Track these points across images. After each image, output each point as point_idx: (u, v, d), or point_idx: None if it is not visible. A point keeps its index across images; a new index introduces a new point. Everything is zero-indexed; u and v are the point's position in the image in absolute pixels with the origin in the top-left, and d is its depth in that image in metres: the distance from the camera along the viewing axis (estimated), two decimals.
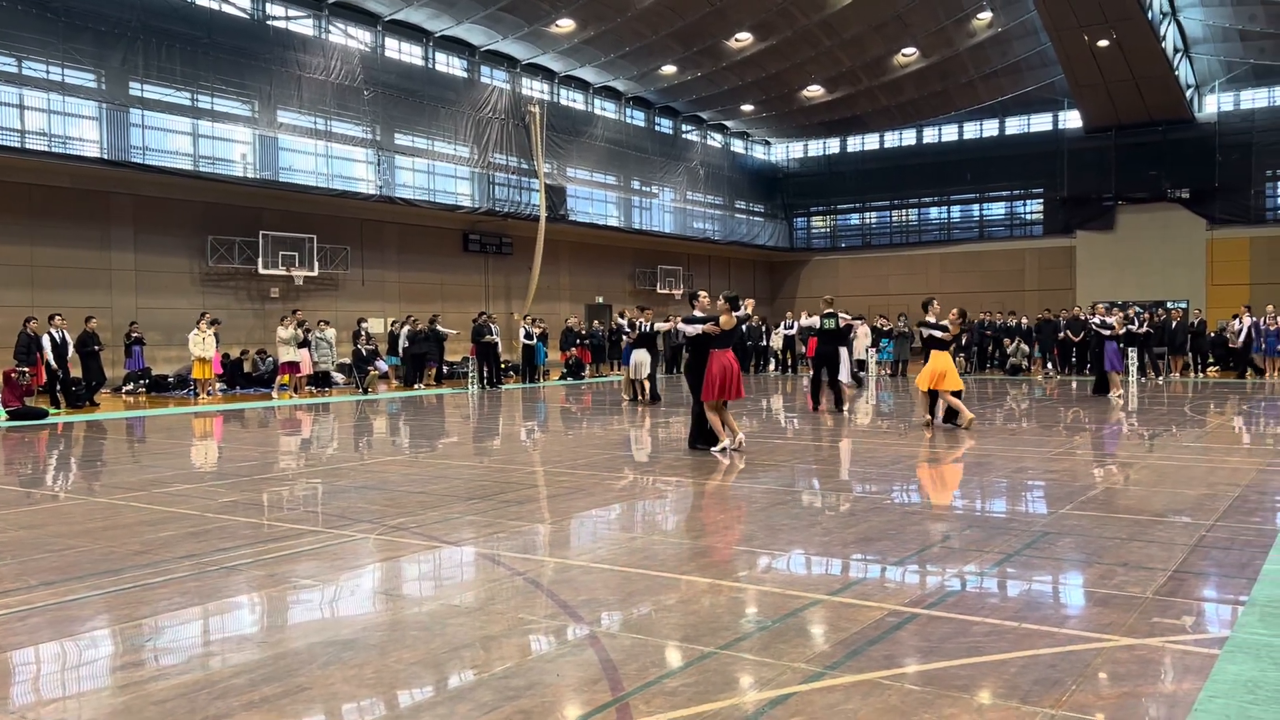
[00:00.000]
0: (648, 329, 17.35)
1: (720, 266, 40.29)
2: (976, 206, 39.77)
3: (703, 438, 10.71)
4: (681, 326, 11.22)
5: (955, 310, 13.15)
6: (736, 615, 4.70)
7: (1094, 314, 19.36)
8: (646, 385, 17.65)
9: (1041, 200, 38.02)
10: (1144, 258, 34.34)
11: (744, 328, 20.83)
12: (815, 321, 16.12)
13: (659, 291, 35.55)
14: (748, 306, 12.12)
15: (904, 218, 41.37)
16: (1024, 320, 27.35)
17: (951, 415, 12.60)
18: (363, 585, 5.36)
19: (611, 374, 27.26)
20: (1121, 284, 34.50)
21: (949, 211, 40.24)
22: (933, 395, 12.68)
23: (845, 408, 15.55)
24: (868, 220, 42.56)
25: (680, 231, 36.65)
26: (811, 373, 15.67)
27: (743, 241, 39.66)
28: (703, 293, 11.16)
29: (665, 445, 11.41)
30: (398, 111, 26.78)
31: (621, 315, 18.29)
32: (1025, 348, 25.79)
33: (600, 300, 34.34)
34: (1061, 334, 25.30)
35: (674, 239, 36.28)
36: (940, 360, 12.54)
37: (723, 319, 10.70)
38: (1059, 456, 10.07)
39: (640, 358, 16.47)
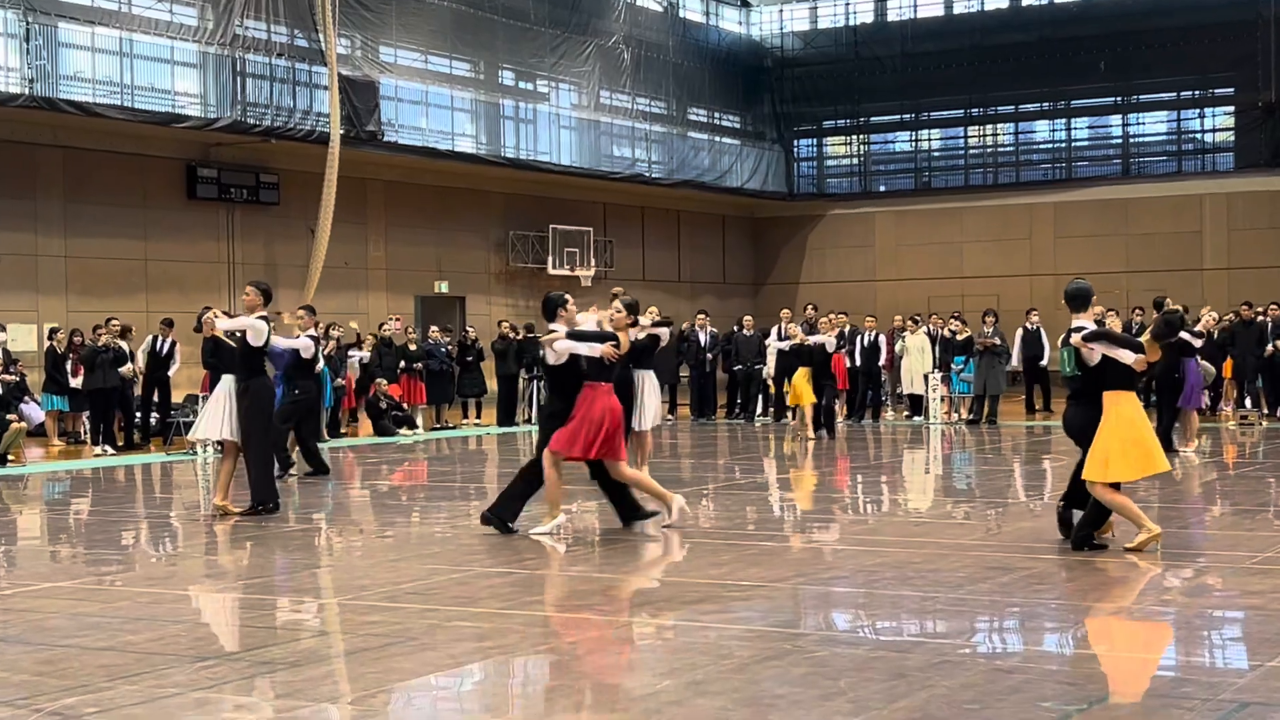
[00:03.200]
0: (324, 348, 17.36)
1: (663, 227, 40.59)
2: (1116, 120, 40.77)
3: (506, 506, 12.30)
4: (567, 345, 11.96)
5: (1165, 312, 11.34)
6: None
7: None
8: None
9: (1231, 109, 39.13)
10: None
11: (708, 344, 22.34)
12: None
13: (553, 271, 35.62)
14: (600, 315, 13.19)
15: (988, 139, 42.19)
16: (1206, 321, 28.01)
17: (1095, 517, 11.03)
18: None
19: (467, 423, 27.24)
20: None
21: (1068, 129, 41.19)
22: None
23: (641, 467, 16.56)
24: (924, 144, 43.30)
25: (590, 164, 36.88)
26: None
27: (703, 183, 40.07)
28: (570, 300, 12.56)
29: (555, 555, 11.40)
30: None
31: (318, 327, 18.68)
32: (1209, 369, 26.40)
33: (444, 289, 34.25)
34: (1270, 349, 25.99)
35: (579, 177, 36.49)
36: (1126, 408, 10.72)
37: (623, 336, 12.07)
38: (1268, 566, 10.33)
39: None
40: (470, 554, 11.43)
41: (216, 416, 13.65)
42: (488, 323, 31.45)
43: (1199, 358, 25.65)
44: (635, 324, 12.58)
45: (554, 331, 12.17)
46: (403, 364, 25.85)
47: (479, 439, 25.12)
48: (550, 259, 35.53)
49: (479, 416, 27.65)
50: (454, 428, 26.69)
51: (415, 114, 32.82)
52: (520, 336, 27.62)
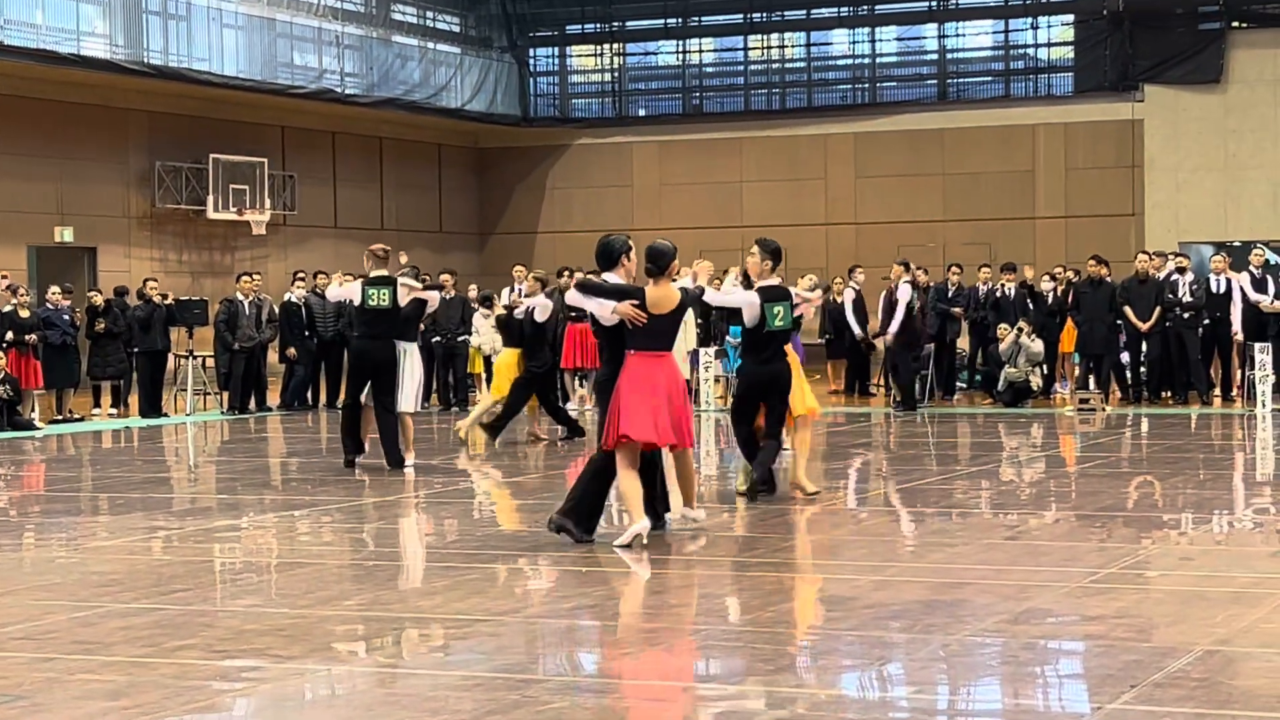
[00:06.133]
0: None
1: (360, 159, 40.23)
2: (931, 31, 41.65)
3: (579, 511, 12.49)
4: (574, 298, 12.67)
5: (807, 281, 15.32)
6: None
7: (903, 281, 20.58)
8: None
9: (1070, 20, 40.32)
10: None
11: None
12: (353, 291, 18.52)
13: (214, 215, 35.06)
14: (700, 273, 14.08)
15: (774, 53, 42.67)
16: (1040, 283, 28.89)
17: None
18: None
19: (99, 414, 26.64)
20: (1241, 203, 37.10)
21: (873, 42, 41.92)
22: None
23: (408, 463, 17.90)
24: (694, 58, 43.57)
25: (263, 75, 36.31)
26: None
27: (413, 102, 39.83)
28: (633, 245, 12.92)
29: (214, 587, 11.18)
30: None
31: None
32: (1035, 346, 27.28)
33: (68, 237, 33.44)
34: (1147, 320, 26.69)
35: (249, 92, 35.96)
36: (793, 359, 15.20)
37: (651, 293, 12.25)
38: (1109, 585, 10.71)
39: None
40: (100, 586, 11.19)
41: None
42: (127, 282, 30.75)
43: (1026, 330, 26.62)
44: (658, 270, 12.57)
45: (588, 278, 12.82)
46: (10, 336, 25.12)
47: (116, 434, 24.59)
48: (211, 198, 34.99)
49: (116, 405, 27.05)
50: (81, 419, 26.10)
51: (26, 6, 31.87)
52: (170, 300, 27.09)
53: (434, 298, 18.98)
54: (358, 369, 17.99)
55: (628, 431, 11.96)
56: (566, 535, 12.23)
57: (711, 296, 15.34)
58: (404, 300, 17.78)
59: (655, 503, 12.62)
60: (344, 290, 19.57)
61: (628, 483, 12.08)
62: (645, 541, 12.15)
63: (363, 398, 17.95)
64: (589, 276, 12.80)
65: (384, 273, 17.96)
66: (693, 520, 12.83)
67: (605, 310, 12.36)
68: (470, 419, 21.59)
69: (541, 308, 21.21)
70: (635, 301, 12.07)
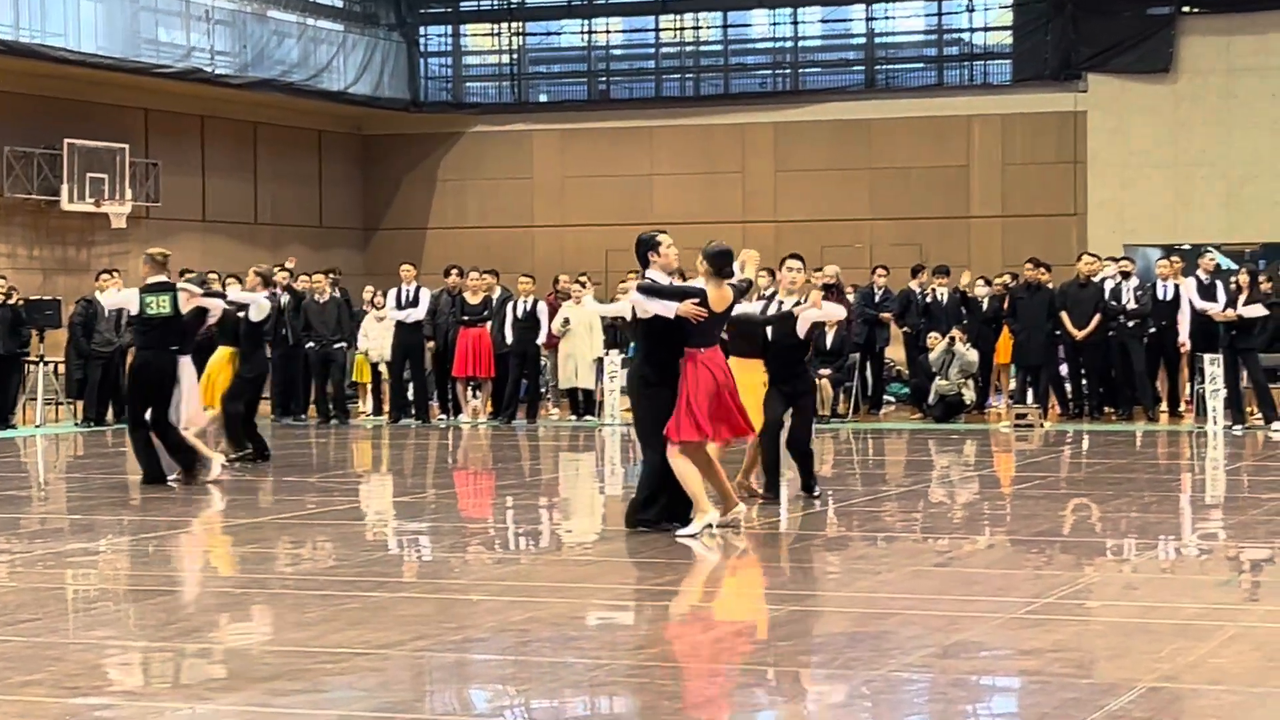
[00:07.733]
0: None
1: (232, 145, 39.94)
2: (859, 13, 41.77)
3: (656, 505, 14.03)
4: (639, 300, 13.93)
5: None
6: None
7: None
8: None
9: (1009, 4, 40.50)
10: (1248, 139, 37.27)
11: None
12: (129, 300, 18.99)
13: (69, 206, 34.79)
14: (748, 262, 15.23)
15: (688, 35, 42.68)
16: (975, 288, 29.05)
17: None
18: None
19: None
20: (1192, 202, 37.45)
21: (796, 24, 41.99)
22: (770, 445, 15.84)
23: (204, 475, 18.24)
24: (600, 40, 43.49)
25: (124, 53, 36.01)
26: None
27: (291, 83, 39.57)
28: (665, 239, 14.40)
29: (69, 619, 11.07)
30: None
31: None
32: (969, 356, 27.41)
33: None
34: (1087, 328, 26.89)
35: (108, 70, 35.62)
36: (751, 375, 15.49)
37: (711, 291, 13.72)
38: (1050, 614, 10.77)
39: None
40: None
41: None
42: None
43: (960, 338, 26.74)
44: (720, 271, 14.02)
45: (647, 280, 13.87)
46: None
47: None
48: (65, 188, 34.60)
49: None
50: None
51: None
52: (18, 300, 26.87)
53: (216, 306, 19.14)
54: (140, 382, 18.19)
55: (703, 434, 13.55)
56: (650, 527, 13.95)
57: (112, 299, 16.18)
58: (185, 308, 18.16)
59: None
60: (120, 298, 19.85)
61: (690, 473, 13.60)
62: (714, 532, 13.48)
63: (150, 416, 18.24)
64: (648, 280, 13.92)
65: (162, 279, 18.28)
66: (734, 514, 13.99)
67: (668, 311, 13.66)
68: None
69: (257, 307, 20.66)
70: (696, 300, 13.43)
